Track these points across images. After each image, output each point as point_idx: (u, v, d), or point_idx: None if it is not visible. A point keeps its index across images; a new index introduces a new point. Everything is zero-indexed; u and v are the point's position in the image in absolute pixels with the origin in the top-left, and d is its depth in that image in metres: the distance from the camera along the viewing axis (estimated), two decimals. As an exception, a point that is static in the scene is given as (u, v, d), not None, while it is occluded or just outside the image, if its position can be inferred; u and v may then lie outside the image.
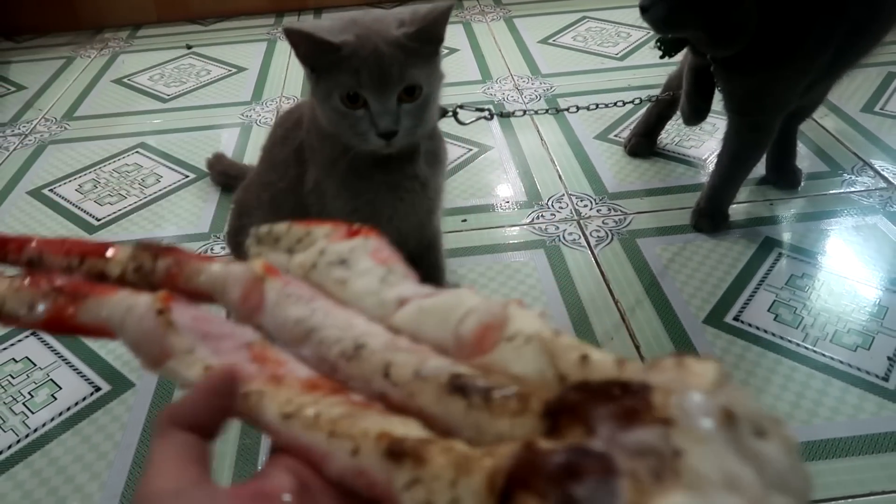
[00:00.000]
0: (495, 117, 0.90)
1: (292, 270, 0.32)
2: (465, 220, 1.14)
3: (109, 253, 0.35)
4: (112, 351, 0.92)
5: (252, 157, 1.34)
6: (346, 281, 0.30)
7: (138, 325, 0.30)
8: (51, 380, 0.88)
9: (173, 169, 1.32)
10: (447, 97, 1.49)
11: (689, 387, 0.19)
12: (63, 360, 0.91)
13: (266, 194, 0.86)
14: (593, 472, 0.18)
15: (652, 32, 0.98)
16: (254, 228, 0.34)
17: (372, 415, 0.25)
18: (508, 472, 0.20)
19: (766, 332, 0.89)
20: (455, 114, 0.85)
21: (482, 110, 0.89)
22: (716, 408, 0.19)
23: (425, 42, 0.70)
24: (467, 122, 0.86)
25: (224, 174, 1.25)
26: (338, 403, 0.25)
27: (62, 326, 0.34)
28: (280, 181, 0.84)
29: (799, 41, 0.89)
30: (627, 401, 0.20)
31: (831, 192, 1.15)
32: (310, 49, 0.70)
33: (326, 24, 0.72)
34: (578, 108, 0.98)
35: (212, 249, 1.10)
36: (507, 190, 1.21)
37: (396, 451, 0.22)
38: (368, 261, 0.31)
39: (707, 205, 1.07)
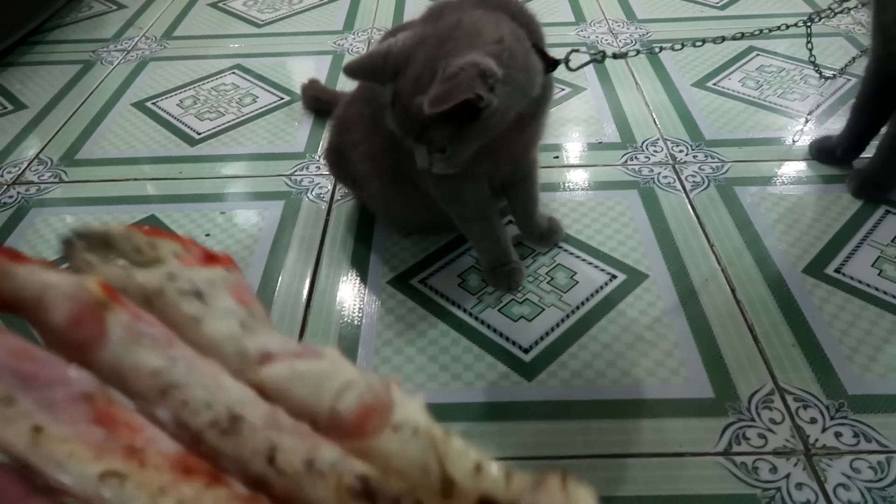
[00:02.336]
0: (607, 60, 0.87)
1: (131, 291, 0.26)
2: (556, 157, 1.13)
3: None
4: (215, 254, 0.96)
5: (345, 85, 1.35)
6: (202, 319, 0.25)
7: None
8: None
9: (269, 91, 1.35)
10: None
11: None
12: (170, 258, 0.95)
13: (368, 110, 0.87)
14: None
15: None
16: (80, 226, 0.27)
17: None
18: None
19: (868, 286, 0.86)
20: (567, 61, 0.82)
21: (594, 54, 0.87)
22: None
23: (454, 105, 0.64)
24: (575, 67, 0.84)
25: (316, 99, 1.27)
26: (226, 499, 0.21)
27: None
28: (382, 97, 0.84)
29: None
30: None
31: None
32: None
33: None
34: (683, 46, 0.94)
35: (307, 168, 1.13)
36: (599, 130, 1.19)
37: None
38: (229, 299, 0.26)
39: (878, 168, 0.99)
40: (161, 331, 0.24)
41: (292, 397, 0.23)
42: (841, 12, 0.99)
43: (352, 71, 0.73)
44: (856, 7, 0.97)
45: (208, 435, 0.22)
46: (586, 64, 0.84)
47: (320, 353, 0.25)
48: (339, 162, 0.95)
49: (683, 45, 0.98)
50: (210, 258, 0.27)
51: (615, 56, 0.89)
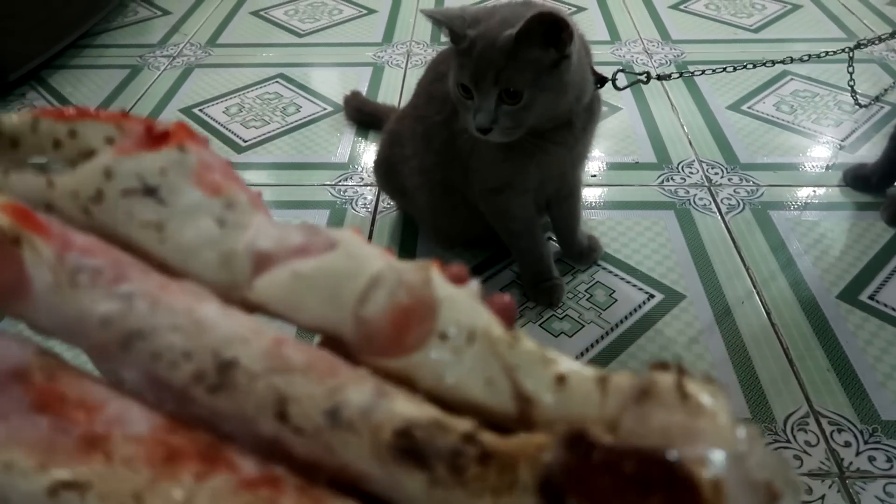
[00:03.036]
0: (652, 81, 0.90)
1: (58, 204, 0.19)
2: (594, 176, 1.16)
3: None
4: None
5: (385, 96, 1.39)
6: (164, 225, 0.18)
7: None
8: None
9: (312, 101, 1.39)
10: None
11: (706, 437, 0.14)
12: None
13: (420, 127, 0.90)
14: None
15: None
16: None
17: None
18: None
19: (902, 313, 0.88)
20: (614, 80, 0.86)
21: (640, 75, 0.90)
22: (762, 487, 0.14)
23: (532, 47, 0.70)
24: (622, 87, 0.87)
25: (358, 111, 1.30)
26: (227, 492, 0.15)
27: None
28: (437, 115, 0.87)
29: None
30: (669, 490, 0.13)
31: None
32: (445, 32, 0.76)
33: (472, 11, 0.76)
34: (735, 69, 0.97)
35: (350, 178, 1.16)
36: (635, 150, 1.22)
37: None
38: (194, 190, 0.19)
39: None
40: (105, 258, 0.17)
41: (302, 311, 0.18)
42: (888, 40, 1.01)
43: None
44: None
45: (195, 393, 0.16)
46: (632, 84, 0.88)
47: (333, 242, 0.18)
48: (387, 174, 0.98)
49: (735, 69, 1.01)
50: (156, 137, 0.19)
51: (659, 78, 0.92)
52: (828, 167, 1.16)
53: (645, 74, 0.89)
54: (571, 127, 0.79)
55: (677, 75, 0.95)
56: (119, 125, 0.19)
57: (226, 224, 0.18)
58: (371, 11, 1.77)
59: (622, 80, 0.87)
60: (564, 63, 0.72)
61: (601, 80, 0.81)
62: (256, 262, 0.18)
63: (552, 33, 0.70)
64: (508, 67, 0.71)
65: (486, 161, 0.83)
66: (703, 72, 1.01)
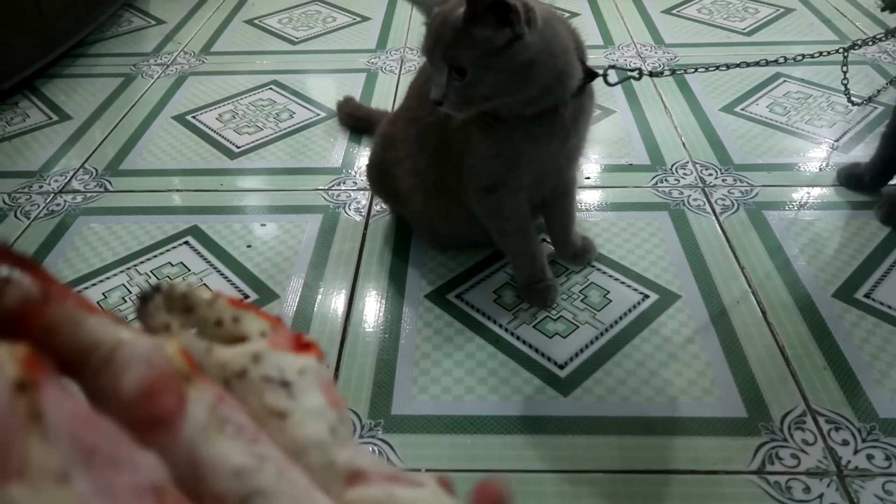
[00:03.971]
0: (644, 77, 0.90)
1: (208, 370, 0.22)
2: (588, 178, 1.16)
3: None
4: (258, 265, 0.99)
5: (379, 102, 1.39)
6: (288, 416, 0.21)
7: None
8: (203, 283, 0.96)
9: (305, 107, 1.39)
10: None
11: None
12: (214, 268, 0.98)
13: (413, 129, 0.90)
14: None
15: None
16: (162, 282, 0.23)
17: None
18: None
19: (898, 311, 0.88)
20: (605, 75, 0.86)
21: (631, 71, 0.90)
22: None
23: (483, 26, 0.70)
24: (614, 83, 0.87)
25: (351, 115, 1.30)
26: None
27: None
28: (429, 116, 0.87)
29: None
30: None
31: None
32: (421, 11, 0.78)
33: None
34: (728, 67, 0.96)
35: (344, 183, 1.16)
36: (629, 152, 1.21)
37: None
38: (320, 397, 0.22)
39: None
40: (247, 419, 0.20)
41: None
42: (881, 41, 1.01)
43: None
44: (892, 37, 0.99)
45: None
46: (624, 80, 0.87)
47: (420, 482, 0.21)
48: (380, 178, 0.98)
49: (728, 67, 1.00)
50: (302, 344, 0.23)
51: (651, 74, 0.92)
52: (821, 167, 1.15)
53: (637, 71, 0.89)
54: (558, 115, 0.79)
55: (669, 73, 0.95)
56: (274, 326, 0.23)
57: (336, 434, 0.21)
58: (365, 19, 1.78)
59: (614, 76, 0.87)
60: (516, 44, 0.71)
61: (591, 75, 0.81)
62: (352, 475, 0.20)
63: (503, 13, 0.69)
64: (453, 45, 0.71)
65: (478, 158, 0.83)
66: (696, 69, 1.01)
